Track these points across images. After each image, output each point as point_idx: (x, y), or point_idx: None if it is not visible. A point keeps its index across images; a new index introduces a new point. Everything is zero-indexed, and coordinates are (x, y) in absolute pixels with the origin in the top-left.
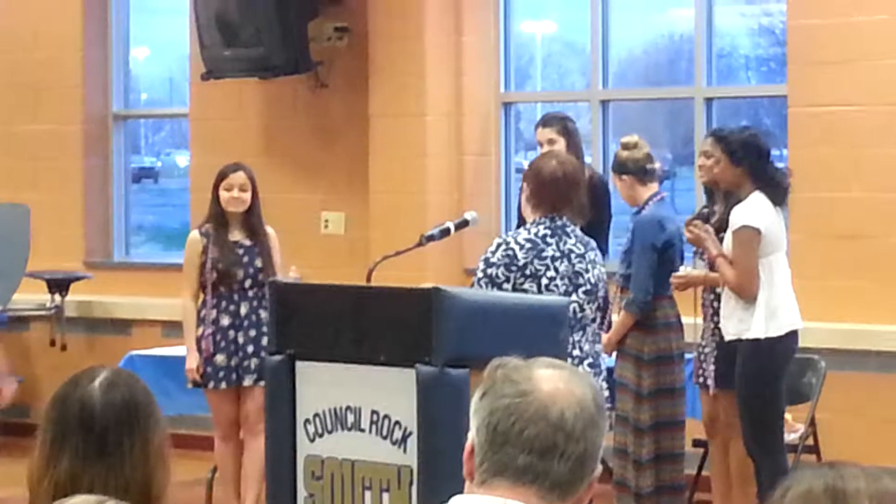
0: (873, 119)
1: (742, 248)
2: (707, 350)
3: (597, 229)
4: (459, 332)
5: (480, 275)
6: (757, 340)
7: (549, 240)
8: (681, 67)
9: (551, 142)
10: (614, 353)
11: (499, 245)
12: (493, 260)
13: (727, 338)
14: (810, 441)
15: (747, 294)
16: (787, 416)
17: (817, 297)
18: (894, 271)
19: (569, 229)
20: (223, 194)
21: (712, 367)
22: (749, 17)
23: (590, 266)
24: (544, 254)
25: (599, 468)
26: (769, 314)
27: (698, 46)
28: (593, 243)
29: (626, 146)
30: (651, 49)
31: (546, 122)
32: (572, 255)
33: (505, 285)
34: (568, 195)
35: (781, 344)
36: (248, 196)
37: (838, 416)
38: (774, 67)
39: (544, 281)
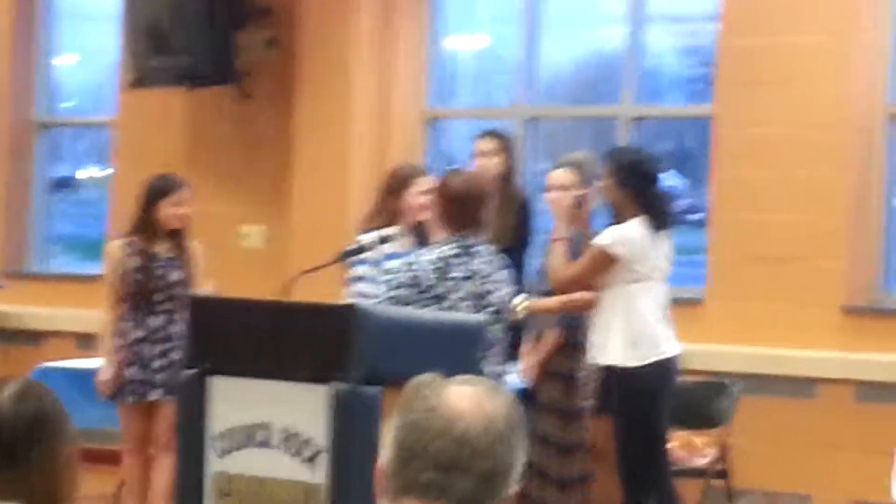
0: (801, 140)
1: (589, 261)
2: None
3: (519, 252)
4: (375, 350)
5: (387, 295)
6: (618, 368)
7: (455, 260)
8: (609, 86)
9: (489, 153)
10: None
11: (406, 265)
12: (402, 280)
13: (590, 361)
14: (721, 466)
15: (553, 281)
16: (697, 440)
17: (732, 319)
18: (818, 294)
19: (476, 249)
20: (170, 210)
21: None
22: (676, 37)
23: (496, 287)
24: (451, 275)
25: (514, 487)
26: (628, 343)
27: (627, 65)
28: (502, 262)
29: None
30: (580, 66)
31: (488, 133)
32: (478, 276)
33: (412, 306)
34: (475, 212)
35: (648, 373)
36: (188, 212)
37: (750, 440)
38: (700, 87)
39: (448, 303)
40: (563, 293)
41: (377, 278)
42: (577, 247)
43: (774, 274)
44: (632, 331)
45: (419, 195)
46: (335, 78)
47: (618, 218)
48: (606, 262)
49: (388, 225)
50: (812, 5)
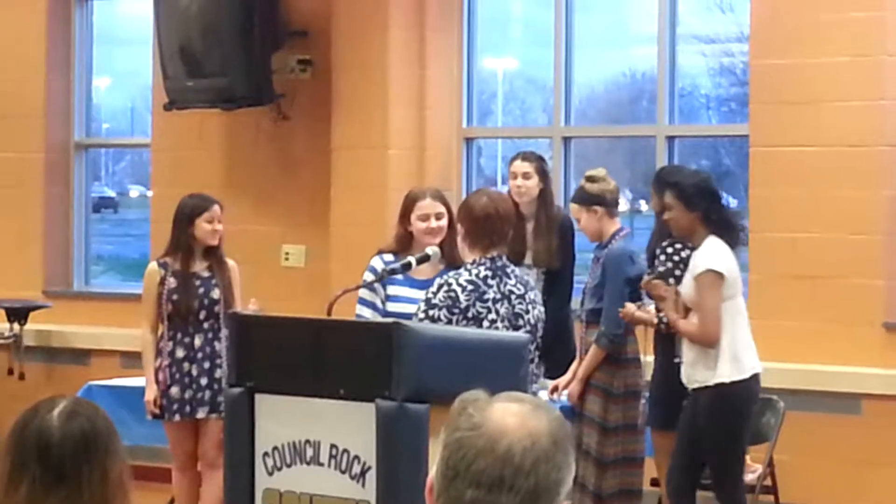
0: (834, 160)
1: (705, 292)
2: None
3: (565, 271)
4: (419, 368)
5: (422, 315)
6: (723, 384)
7: (490, 281)
8: (642, 106)
9: (526, 175)
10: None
11: (440, 286)
12: (435, 301)
13: (692, 385)
14: (768, 482)
15: (711, 340)
16: (746, 456)
17: (776, 337)
18: (853, 312)
19: (508, 269)
20: (205, 226)
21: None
22: (710, 57)
23: (530, 307)
24: (486, 296)
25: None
26: (732, 358)
27: (661, 85)
28: (532, 282)
29: (594, 179)
30: (612, 87)
31: (525, 156)
32: (512, 297)
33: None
34: (502, 231)
35: (746, 387)
36: (222, 228)
37: (795, 456)
38: (735, 107)
39: (486, 324)
40: (713, 338)
41: (375, 302)
42: (609, 264)
43: (814, 292)
44: (735, 345)
45: (420, 219)
46: (371, 98)
47: (689, 241)
48: (719, 284)
49: (402, 249)
50: (840, 26)
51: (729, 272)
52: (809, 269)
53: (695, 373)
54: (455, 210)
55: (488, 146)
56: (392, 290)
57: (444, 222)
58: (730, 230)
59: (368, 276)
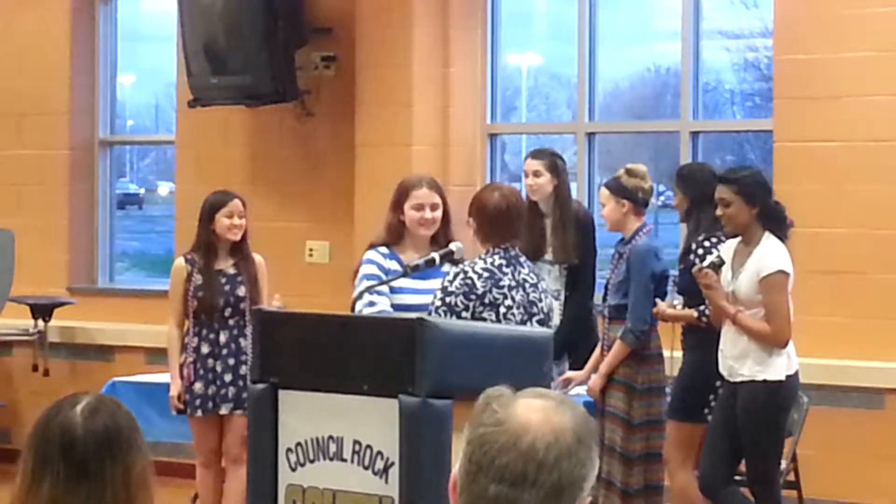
0: (858, 155)
1: (778, 294)
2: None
3: (586, 266)
4: (442, 363)
5: (439, 303)
6: (774, 381)
7: (504, 269)
8: (666, 101)
9: (537, 174)
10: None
11: (456, 274)
12: (452, 289)
13: (734, 379)
14: (792, 476)
15: (784, 342)
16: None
17: (799, 332)
18: (877, 308)
19: (521, 259)
20: (224, 221)
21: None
22: (734, 52)
23: (542, 295)
24: (501, 283)
25: (587, 500)
26: (785, 355)
27: (685, 80)
28: (543, 274)
29: (633, 174)
30: (637, 82)
31: (536, 154)
32: (527, 285)
33: (464, 314)
34: (514, 226)
35: (792, 382)
36: (244, 223)
37: (818, 451)
38: (759, 102)
39: (502, 310)
40: (785, 340)
41: (385, 291)
42: (634, 260)
43: (838, 287)
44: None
45: (414, 209)
46: (395, 94)
47: (742, 236)
48: (787, 284)
49: (394, 240)
50: (863, 21)
51: (792, 271)
52: (833, 264)
53: (741, 366)
54: (452, 202)
55: (512, 142)
56: (394, 282)
57: (438, 213)
58: (782, 224)
59: (368, 269)
